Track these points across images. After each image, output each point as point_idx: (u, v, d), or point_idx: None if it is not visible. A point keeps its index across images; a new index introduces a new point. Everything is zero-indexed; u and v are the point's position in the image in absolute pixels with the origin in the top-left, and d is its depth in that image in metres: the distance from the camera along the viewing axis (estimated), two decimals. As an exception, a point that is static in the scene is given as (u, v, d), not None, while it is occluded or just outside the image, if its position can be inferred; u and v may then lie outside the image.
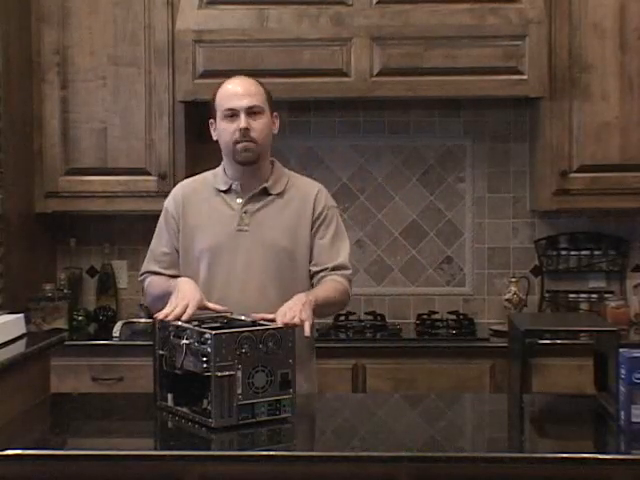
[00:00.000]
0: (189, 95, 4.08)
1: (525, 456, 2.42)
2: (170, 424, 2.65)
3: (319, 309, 2.90)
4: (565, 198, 4.20)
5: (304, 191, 3.09)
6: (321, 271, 3.04)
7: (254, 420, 2.52)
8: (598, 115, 4.14)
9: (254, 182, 3.05)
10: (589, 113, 4.15)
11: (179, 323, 2.66)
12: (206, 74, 4.03)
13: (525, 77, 4.01)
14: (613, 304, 4.25)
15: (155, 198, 4.24)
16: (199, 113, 4.42)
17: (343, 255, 3.08)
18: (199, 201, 3.10)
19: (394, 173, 4.51)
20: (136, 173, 4.24)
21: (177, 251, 3.10)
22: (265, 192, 3.06)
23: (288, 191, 3.08)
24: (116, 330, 4.12)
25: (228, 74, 3.98)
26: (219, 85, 3.10)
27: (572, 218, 4.45)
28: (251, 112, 2.99)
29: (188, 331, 2.59)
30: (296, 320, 2.70)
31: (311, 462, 2.37)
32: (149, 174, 4.24)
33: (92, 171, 4.24)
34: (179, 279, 2.97)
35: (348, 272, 3.08)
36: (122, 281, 4.54)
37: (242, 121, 2.98)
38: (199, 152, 4.49)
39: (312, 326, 2.81)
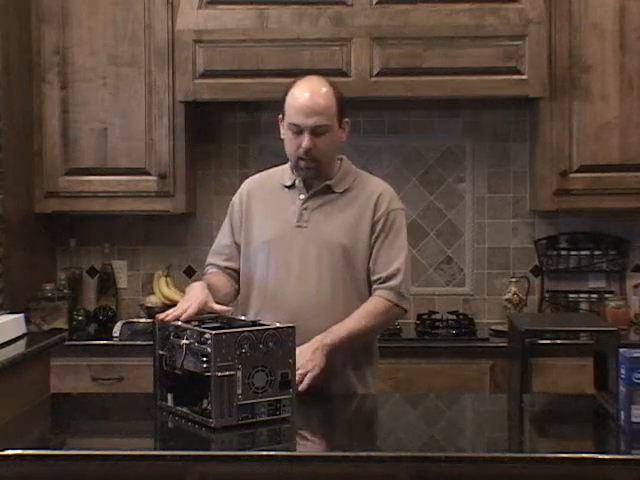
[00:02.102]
0: (189, 95, 4.08)
1: (525, 456, 2.42)
2: (170, 424, 2.65)
3: (347, 343, 2.91)
4: (565, 198, 4.20)
5: (368, 191, 3.06)
6: (375, 281, 3.01)
7: (254, 420, 2.52)
8: (598, 115, 4.15)
9: (319, 179, 3.04)
10: (589, 113, 4.15)
11: (179, 323, 2.66)
12: (206, 74, 4.03)
13: (525, 77, 4.01)
14: (613, 304, 4.25)
15: (155, 198, 4.25)
16: (199, 113, 4.44)
17: (397, 263, 3.01)
18: (264, 195, 3.10)
19: (394, 173, 4.50)
20: (136, 173, 4.24)
21: (237, 244, 3.11)
22: (328, 189, 3.04)
23: (352, 190, 3.05)
24: (116, 330, 4.12)
25: (228, 74, 4.04)
26: (293, 83, 3.02)
27: (572, 218, 4.45)
28: (316, 132, 2.94)
29: (188, 331, 2.59)
30: (301, 371, 2.73)
31: (311, 462, 2.37)
32: (149, 174, 4.24)
33: (92, 171, 4.24)
34: (192, 284, 2.98)
35: (396, 282, 2.99)
36: (122, 281, 4.54)
37: (306, 140, 2.93)
38: (199, 152, 4.50)
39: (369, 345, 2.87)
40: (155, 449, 2.56)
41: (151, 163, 4.24)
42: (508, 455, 2.38)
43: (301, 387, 2.74)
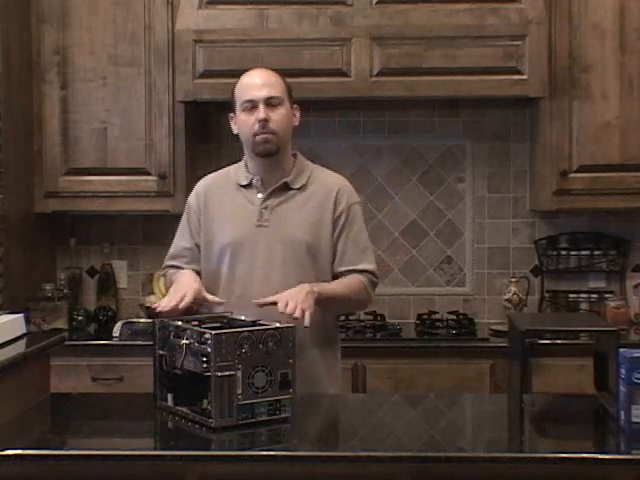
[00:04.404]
0: (189, 95, 4.08)
1: (525, 456, 2.41)
2: (170, 424, 2.65)
3: (326, 302, 2.91)
4: (565, 198, 4.20)
5: (326, 186, 3.06)
6: (347, 272, 3.02)
7: (254, 420, 2.52)
8: (598, 115, 4.15)
9: (275, 176, 3.04)
10: (589, 113, 4.15)
11: (179, 323, 2.66)
12: (206, 74, 4.03)
13: (525, 77, 4.01)
14: (613, 304, 4.25)
15: (155, 198, 4.25)
16: (199, 113, 4.44)
17: (370, 261, 3.06)
18: (221, 196, 3.09)
19: (394, 173, 4.51)
20: (136, 173, 4.24)
21: (197, 246, 3.10)
22: (286, 187, 3.04)
23: (310, 185, 3.06)
24: (116, 330, 4.12)
25: (228, 74, 4.03)
26: (238, 79, 3.08)
27: (572, 218, 4.45)
28: (270, 103, 2.98)
29: (188, 331, 2.59)
30: (297, 312, 2.71)
31: (311, 462, 2.37)
32: (149, 174, 4.24)
33: (92, 171, 4.25)
34: (180, 271, 2.98)
35: (371, 278, 3.06)
36: (122, 281, 4.54)
37: (261, 112, 2.96)
38: (199, 152, 4.50)
39: (329, 319, 2.81)
40: (155, 449, 2.56)
41: (151, 163, 4.24)
42: (508, 455, 2.38)
43: (306, 323, 2.73)
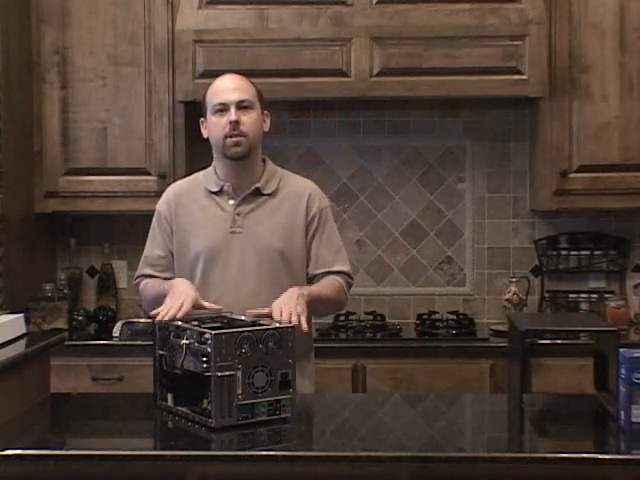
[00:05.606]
0: (189, 95, 4.08)
1: (525, 456, 2.42)
2: (170, 424, 2.65)
3: (313, 304, 2.91)
4: (565, 198, 4.20)
5: (297, 191, 3.08)
6: (323, 274, 3.04)
7: (254, 420, 2.52)
8: (598, 115, 4.15)
9: (245, 182, 3.04)
10: (589, 113, 4.15)
11: (179, 323, 2.66)
12: (206, 74, 4.02)
13: (525, 77, 4.01)
14: (613, 304, 4.24)
15: (155, 198, 4.18)
16: (199, 113, 4.43)
17: (345, 262, 3.10)
18: (191, 203, 3.08)
19: (394, 173, 4.51)
20: (136, 173, 4.24)
21: (171, 254, 3.09)
22: (257, 192, 3.04)
23: (281, 191, 3.06)
24: (116, 330, 4.12)
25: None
26: (210, 84, 3.10)
27: (572, 218, 4.45)
28: (241, 106, 2.99)
29: (188, 331, 2.59)
30: (294, 318, 2.70)
31: (311, 462, 2.37)
32: (149, 174, 4.24)
33: (92, 171, 4.24)
34: (174, 280, 2.97)
35: (348, 279, 3.10)
36: (122, 281, 4.54)
37: (232, 114, 2.97)
38: (199, 152, 4.49)
39: (308, 320, 2.81)
40: (155, 449, 2.56)
41: (151, 163, 4.24)
42: (508, 455, 2.38)
43: (304, 328, 2.71)
